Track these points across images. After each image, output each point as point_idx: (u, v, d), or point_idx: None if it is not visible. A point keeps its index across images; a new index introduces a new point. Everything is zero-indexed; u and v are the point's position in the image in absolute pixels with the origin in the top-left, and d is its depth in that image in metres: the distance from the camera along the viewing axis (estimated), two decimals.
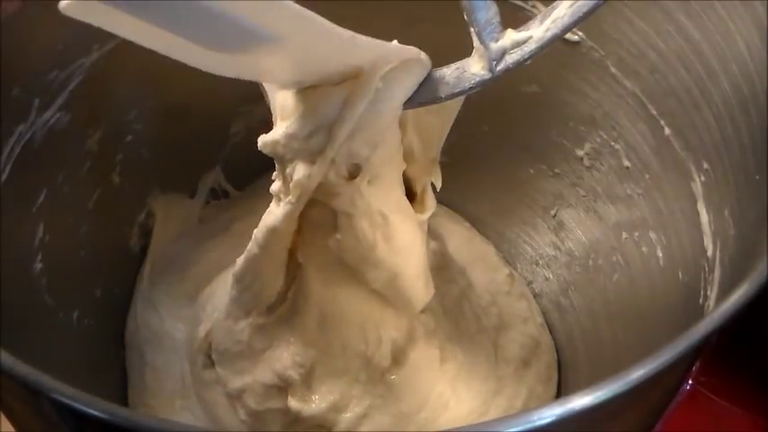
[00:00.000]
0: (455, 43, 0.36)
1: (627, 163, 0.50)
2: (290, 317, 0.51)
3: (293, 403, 0.49)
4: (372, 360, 0.50)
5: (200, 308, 0.56)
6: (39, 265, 0.49)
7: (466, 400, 0.52)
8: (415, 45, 0.40)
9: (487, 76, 0.35)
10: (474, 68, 0.35)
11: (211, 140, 0.61)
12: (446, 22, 0.44)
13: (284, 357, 0.50)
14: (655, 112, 0.47)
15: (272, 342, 0.50)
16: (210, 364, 0.53)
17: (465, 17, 0.33)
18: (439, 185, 0.48)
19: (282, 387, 0.50)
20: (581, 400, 0.27)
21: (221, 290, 0.54)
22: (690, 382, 0.54)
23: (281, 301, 0.51)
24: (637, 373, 0.28)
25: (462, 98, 0.41)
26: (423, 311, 0.53)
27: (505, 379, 0.54)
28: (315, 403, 0.50)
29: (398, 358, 0.51)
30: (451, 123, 0.44)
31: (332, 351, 0.50)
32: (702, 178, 0.44)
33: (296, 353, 0.50)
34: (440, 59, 0.38)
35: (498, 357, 0.55)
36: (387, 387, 0.50)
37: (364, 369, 0.50)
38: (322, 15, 0.57)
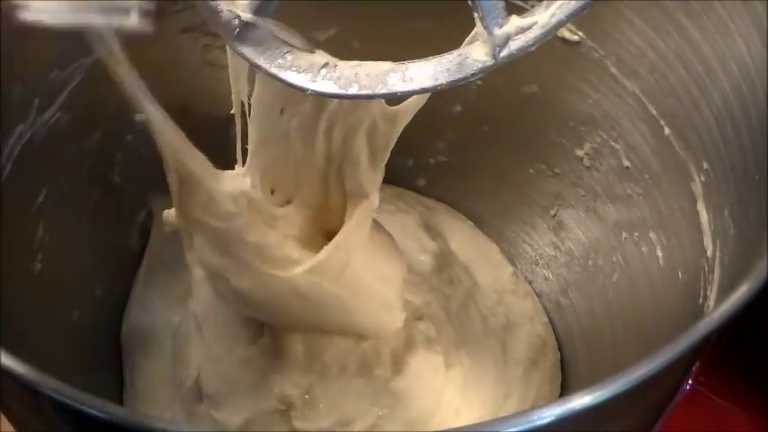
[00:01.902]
0: (457, 40, 0.36)
1: (627, 163, 0.50)
2: (274, 349, 0.50)
3: (298, 424, 0.49)
4: (373, 374, 0.50)
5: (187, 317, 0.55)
6: (39, 265, 0.49)
7: (477, 406, 0.52)
8: (415, 42, 0.40)
9: (490, 62, 0.34)
10: (476, 55, 0.34)
11: (211, 140, 0.61)
12: (447, 18, 0.44)
13: (280, 383, 0.49)
14: (655, 112, 0.47)
15: (263, 373, 0.50)
16: (201, 399, 0.52)
17: (469, 2, 0.33)
18: (375, 204, 0.46)
19: (285, 410, 0.49)
20: (581, 400, 0.27)
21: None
22: (690, 382, 0.54)
23: (260, 334, 0.51)
24: (637, 373, 0.28)
25: (421, 103, 0.41)
26: (421, 319, 0.52)
27: (515, 381, 0.54)
28: (321, 421, 0.49)
29: (399, 366, 0.51)
30: (400, 132, 0.44)
31: (329, 373, 0.50)
32: (702, 178, 0.44)
33: (290, 377, 0.50)
34: None
35: (507, 359, 0.55)
36: (392, 396, 0.50)
37: (366, 383, 0.50)
38: (320, 14, 0.57)
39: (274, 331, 0.50)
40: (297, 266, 0.45)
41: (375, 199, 0.46)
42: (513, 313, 0.58)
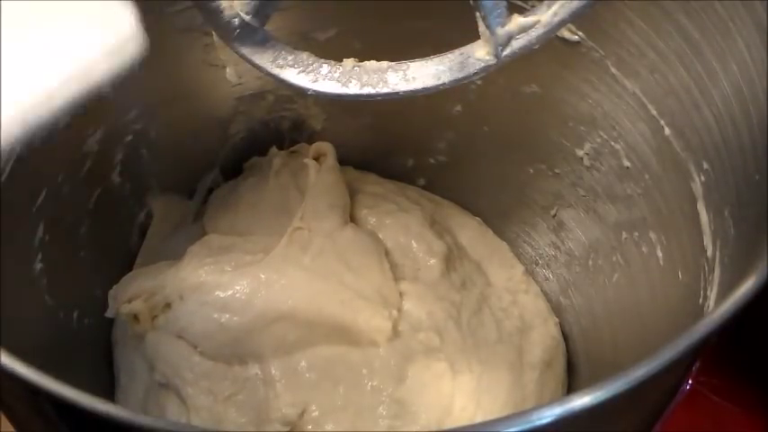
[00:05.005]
0: (457, 40, 0.35)
1: (627, 163, 0.50)
2: (261, 376, 0.50)
3: None
4: (370, 385, 0.50)
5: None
6: (39, 265, 0.49)
7: (493, 412, 0.51)
8: (415, 42, 0.40)
9: (493, 61, 0.34)
10: (479, 54, 0.34)
11: (211, 140, 0.61)
12: (447, 18, 0.44)
13: (276, 406, 0.49)
14: (655, 112, 0.47)
15: (256, 403, 0.50)
16: None
17: (470, 1, 0.33)
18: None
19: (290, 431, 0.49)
20: (581, 400, 0.27)
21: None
22: (690, 382, 0.54)
23: (244, 364, 0.51)
24: (637, 373, 0.28)
25: None
26: (421, 331, 0.52)
27: (531, 385, 0.54)
28: None
29: (399, 376, 0.51)
30: None
31: (321, 387, 0.50)
32: (702, 178, 0.44)
33: (284, 399, 0.49)
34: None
35: (524, 363, 0.55)
36: (398, 405, 0.50)
37: (365, 394, 0.50)
38: (320, 14, 0.57)
39: (259, 358, 0.50)
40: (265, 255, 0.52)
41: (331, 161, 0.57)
42: (527, 314, 0.57)
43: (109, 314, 0.53)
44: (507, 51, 0.34)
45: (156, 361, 0.51)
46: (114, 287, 0.53)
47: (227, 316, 0.50)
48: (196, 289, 0.51)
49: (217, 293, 0.50)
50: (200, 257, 0.53)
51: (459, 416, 0.50)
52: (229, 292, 0.50)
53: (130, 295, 0.52)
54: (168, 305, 0.52)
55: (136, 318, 0.52)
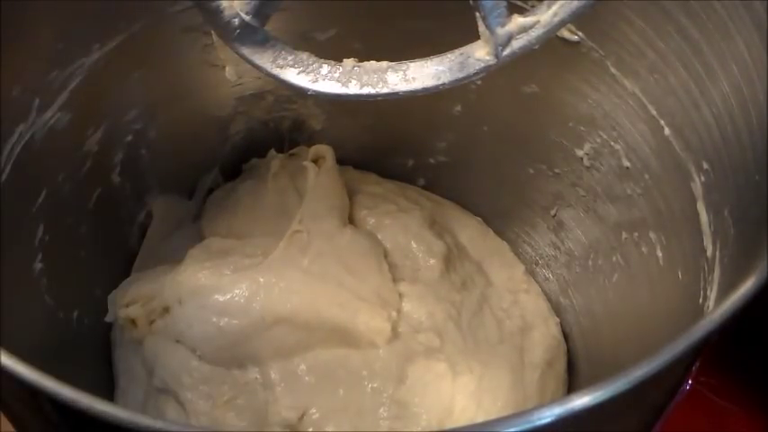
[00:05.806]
0: (457, 40, 0.35)
1: (627, 163, 0.50)
2: (261, 380, 0.50)
3: None
4: (370, 387, 0.50)
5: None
6: (39, 265, 0.49)
7: (494, 412, 0.51)
8: (415, 42, 0.40)
9: (493, 61, 0.34)
10: (479, 54, 0.34)
11: (211, 140, 0.61)
12: (447, 18, 0.44)
13: (275, 410, 0.49)
14: (655, 112, 0.47)
15: (256, 407, 0.49)
16: None
17: (470, 1, 0.33)
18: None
19: None
20: (580, 400, 0.27)
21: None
22: (690, 382, 0.54)
23: (244, 368, 0.51)
24: (637, 373, 0.28)
25: None
26: (421, 332, 0.52)
27: (532, 385, 0.54)
28: None
29: (400, 377, 0.51)
30: None
31: (321, 389, 0.50)
32: (702, 178, 0.44)
33: (283, 402, 0.49)
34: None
35: (525, 363, 0.54)
36: (399, 406, 0.50)
37: (365, 396, 0.50)
38: (320, 14, 0.57)
39: (258, 362, 0.50)
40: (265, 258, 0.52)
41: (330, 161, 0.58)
42: (528, 314, 0.57)
43: (108, 319, 0.53)
44: (507, 51, 0.34)
45: (155, 366, 0.51)
46: (113, 292, 0.53)
47: (226, 319, 0.50)
48: (195, 293, 0.51)
49: (216, 297, 0.50)
50: (199, 261, 0.53)
51: (460, 416, 0.50)
52: (228, 296, 0.50)
53: (128, 300, 0.52)
54: (167, 309, 0.52)
55: (133, 322, 0.52)
